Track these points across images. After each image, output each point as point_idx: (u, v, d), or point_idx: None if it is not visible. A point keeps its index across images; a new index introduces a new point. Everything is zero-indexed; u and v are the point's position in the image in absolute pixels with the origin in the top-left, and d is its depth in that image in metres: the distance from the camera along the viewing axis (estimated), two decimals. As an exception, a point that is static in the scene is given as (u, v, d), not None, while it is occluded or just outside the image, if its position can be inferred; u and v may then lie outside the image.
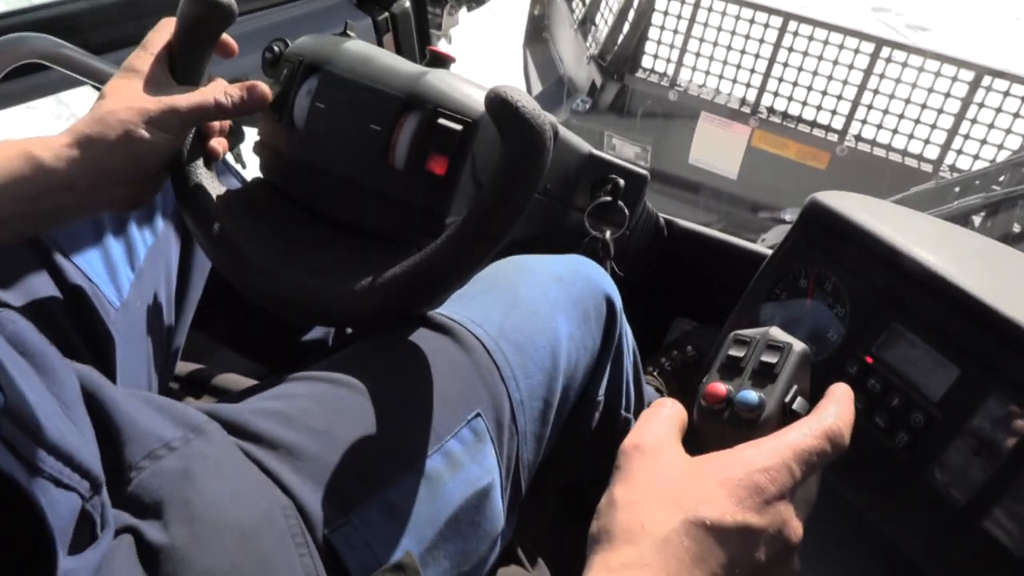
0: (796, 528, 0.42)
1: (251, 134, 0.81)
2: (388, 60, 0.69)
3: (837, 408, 0.46)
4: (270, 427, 0.58)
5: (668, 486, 0.42)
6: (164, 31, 0.67)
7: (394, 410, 0.62)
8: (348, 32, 0.75)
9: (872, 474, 0.75)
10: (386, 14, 1.15)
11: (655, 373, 1.24)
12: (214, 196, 0.68)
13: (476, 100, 0.65)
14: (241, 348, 1.10)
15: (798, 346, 0.49)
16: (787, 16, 2.09)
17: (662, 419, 0.48)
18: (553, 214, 0.95)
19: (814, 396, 0.48)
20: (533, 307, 0.75)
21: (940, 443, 0.72)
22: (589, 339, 0.80)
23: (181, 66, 0.66)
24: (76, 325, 0.67)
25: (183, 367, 0.90)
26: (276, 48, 0.73)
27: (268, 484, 0.55)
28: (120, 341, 0.70)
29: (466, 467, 0.63)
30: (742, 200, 2.27)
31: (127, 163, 0.62)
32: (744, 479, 0.41)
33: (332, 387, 0.63)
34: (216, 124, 0.70)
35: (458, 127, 0.63)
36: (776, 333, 0.51)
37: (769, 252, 1.19)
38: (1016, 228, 1.44)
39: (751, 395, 0.47)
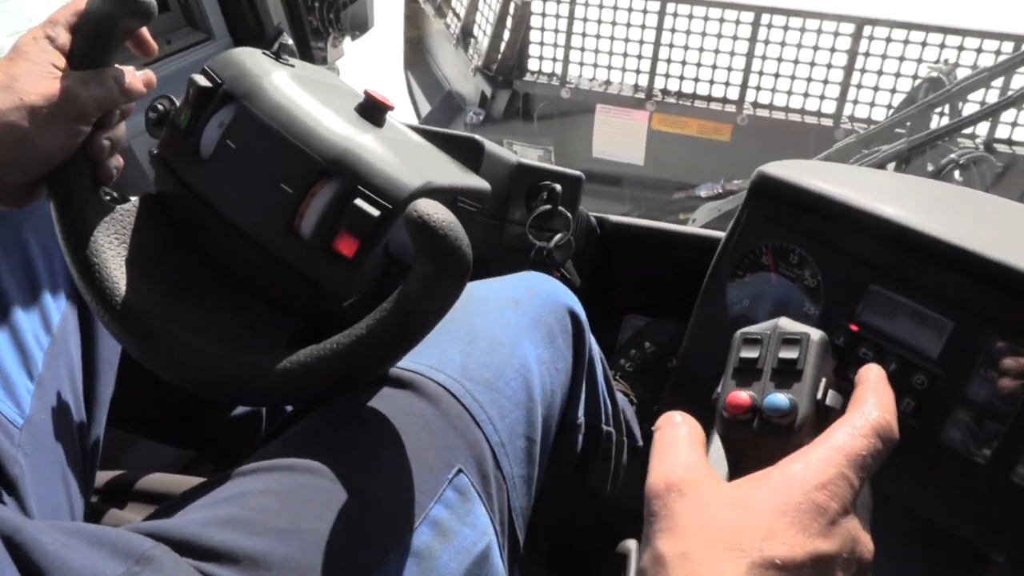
0: (867, 543, 0.38)
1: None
2: (315, 112, 0.60)
3: (877, 397, 0.41)
4: (227, 537, 0.50)
5: (720, 527, 0.36)
6: (69, 11, 0.59)
7: (365, 487, 0.55)
8: (283, 56, 0.65)
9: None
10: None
11: (617, 376, 1.19)
12: (103, 236, 0.59)
13: (404, 182, 0.58)
14: (163, 436, 0.99)
15: (816, 334, 0.45)
16: (663, -1, 2.10)
17: (683, 442, 0.42)
18: (491, 234, 0.89)
19: None
20: (494, 337, 0.69)
21: (948, 402, 0.69)
22: (560, 359, 0.74)
23: (81, 60, 0.57)
24: None
25: (99, 477, 0.78)
26: (160, 107, 0.64)
27: None
28: (29, 462, 0.60)
29: (458, 533, 0.56)
30: (654, 184, 2.27)
31: (17, 168, 0.56)
32: (803, 502, 0.36)
33: (289, 475, 0.55)
34: (106, 143, 0.61)
35: (375, 212, 0.56)
36: (787, 324, 0.46)
37: (708, 233, 1.17)
38: (930, 168, 1.48)
39: (780, 399, 0.42)
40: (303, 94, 0.61)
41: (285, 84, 0.61)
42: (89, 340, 0.73)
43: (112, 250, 0.59)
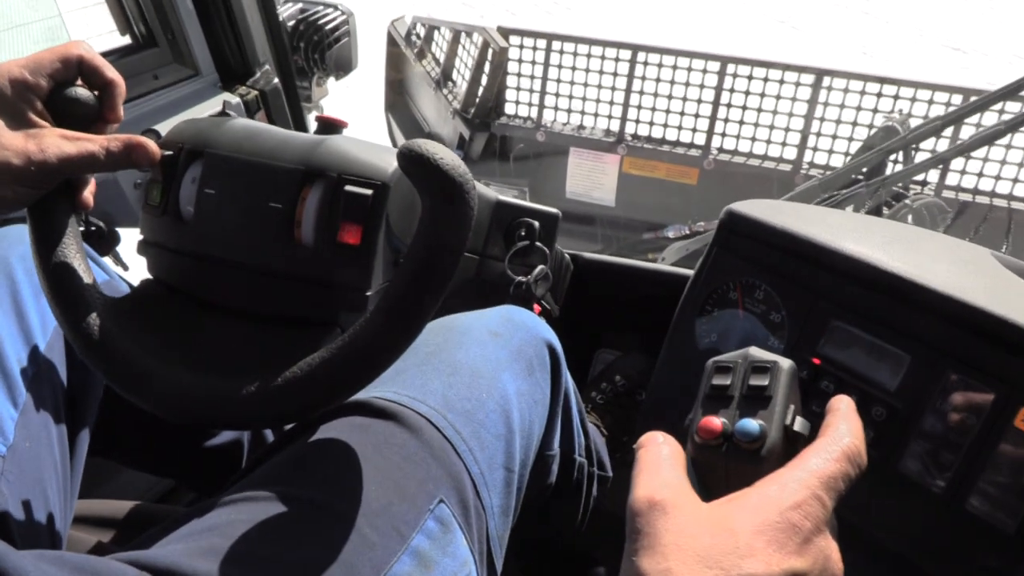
0: (838, 562, 0.40)
1: (126, 235, 0.72)
2: (276, 133, 0.64)
3: (848, 424, 0.44)
4: (211, 569, 0.50)
5: (701, 545, 0.38)
6: (56, 56, 0.58)
7: (347, 517, 0.55)
8: (227, 112, 0.68)
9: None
10: (255, 93, 1.08)
11: (588, 408, 1.21)
12: (91, 284, 0.59)
13: (383, 160, 0.61)
14: (143, 464, 0.99)
15: (784, 363, 0.48)
16: (635, 48, 2.17)
17: (666, 462, 0.44)
18: (468, 267, 0.91)
19: None
20: (475, 369, 0.70)
21: (906, 433, 0.72)
22: (538, 391, 0.76)
23: (63, 118, 0.59)
24: None
25: (78, 505, 0.78)
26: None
27: None
28: (11, 490, 0.61)
29: (439, 563, 0.57)
30: (625, 224, 2.32)
31: None
32: (779, 521, 0.38)
33: (272, 505, 0.56)
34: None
35: (368, 192, 0.58)
36: (757, 353, 0.49)
37: (677, 271, 1.21)
38: (885, 211, 1.54)
39: (751, 424, 0.44)
40: (260, 126, 0.65)
41: (240, 124, 0.64)
42: (73, 368, 0.73)
43: (99, 294, 0.60)
